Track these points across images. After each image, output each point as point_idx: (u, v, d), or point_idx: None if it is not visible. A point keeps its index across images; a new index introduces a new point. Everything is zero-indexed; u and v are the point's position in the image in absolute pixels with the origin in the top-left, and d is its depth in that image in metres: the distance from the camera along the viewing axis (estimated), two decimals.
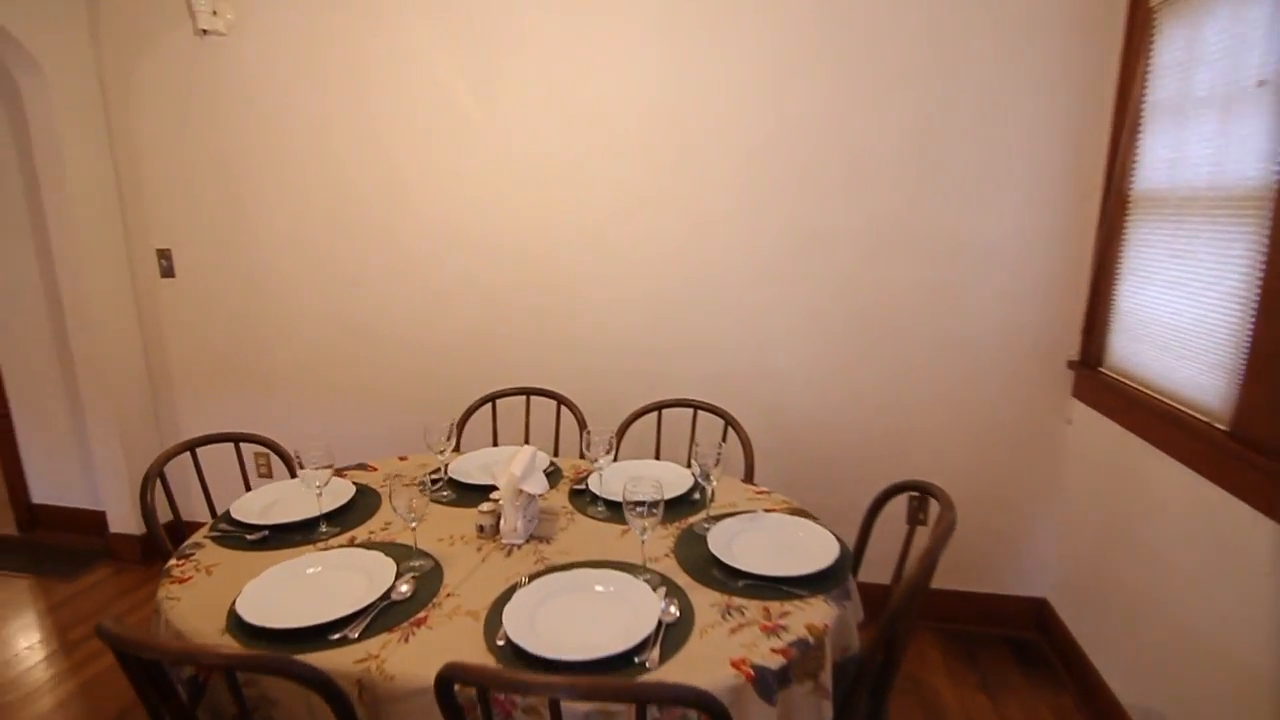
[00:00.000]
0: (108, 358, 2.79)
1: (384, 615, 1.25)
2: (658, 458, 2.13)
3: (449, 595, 1.33)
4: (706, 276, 2.32)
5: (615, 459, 1.81)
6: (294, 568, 1.39)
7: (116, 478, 2.91)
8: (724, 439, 2.02)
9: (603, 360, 2.46)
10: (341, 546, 1.52)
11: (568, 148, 2.33)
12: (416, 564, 1.43)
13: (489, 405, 2.25)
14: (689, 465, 1.84)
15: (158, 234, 2.78)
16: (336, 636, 1.19)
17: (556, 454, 2.26)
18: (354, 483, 1.87)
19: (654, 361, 2.42)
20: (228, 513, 1.66)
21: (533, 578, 1.34)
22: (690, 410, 2.11)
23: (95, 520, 3.09)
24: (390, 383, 2.69)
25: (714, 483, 1.55)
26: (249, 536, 1.56)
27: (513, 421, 2.35)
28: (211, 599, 1.32)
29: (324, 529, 1.61)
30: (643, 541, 1.37)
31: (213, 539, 1.57)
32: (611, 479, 1.77)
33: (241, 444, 1.96)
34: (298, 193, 2.59)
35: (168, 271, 2.80)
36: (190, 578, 1.41)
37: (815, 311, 2.28)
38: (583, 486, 1.80)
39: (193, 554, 1.51)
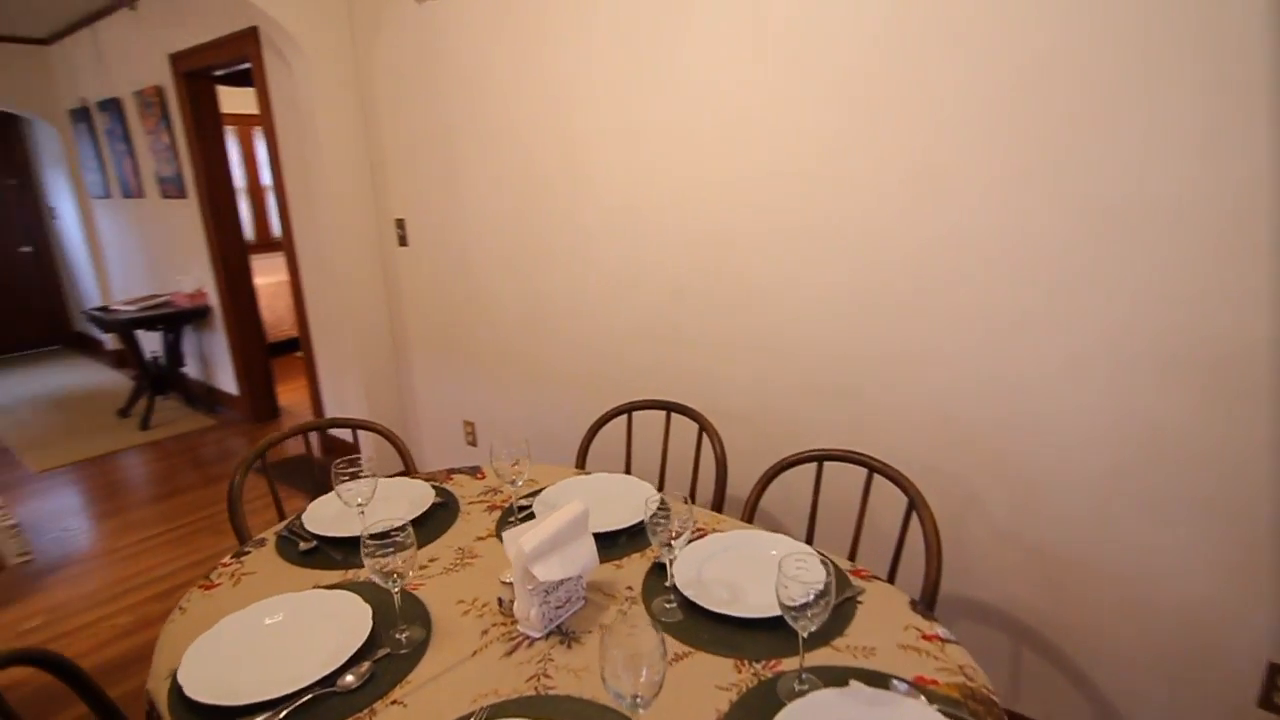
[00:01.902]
0: (360, 316, 3.07)
1: (308, 710, 0.99)
2: (813, 519, 1.52)
3: (394, 703, 1.00)
4: (939, 273, 1.57)
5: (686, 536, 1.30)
6: (263, 611, 1.19)
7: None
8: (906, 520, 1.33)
9: (786, 370, 1.87)
10: (340, 586, 1.30)
11: (759, 101, 1.76)
12: (401, 635, 1.14)
13: (624, 417, 1.86)
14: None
15: (396, 204, 2.93)
16: None
17: (692, 494, 1.78)
18: (441, 488, 1.66)
19: (854, 380, 1.75)
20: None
21: (491, 717, 0.95)
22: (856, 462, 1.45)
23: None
24: (567, 369, 2.46)
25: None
26: (301, 546, 1.44)
27: (651, 437, 1.94)
28: (210, 623, 1.20)
29: (342, 557, 1.41)
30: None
31: (278, 538, 1.49)
32: (693, 562, 1.28)
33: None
34: (495, 166, 2.47)
35: (403, 240, 2.95)
36: (218, 585, 1.33)
37: (1112, 333, 1.39)
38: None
39: (248, 552, 1.44)
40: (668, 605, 1.19)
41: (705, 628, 1.13)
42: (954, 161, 1.50)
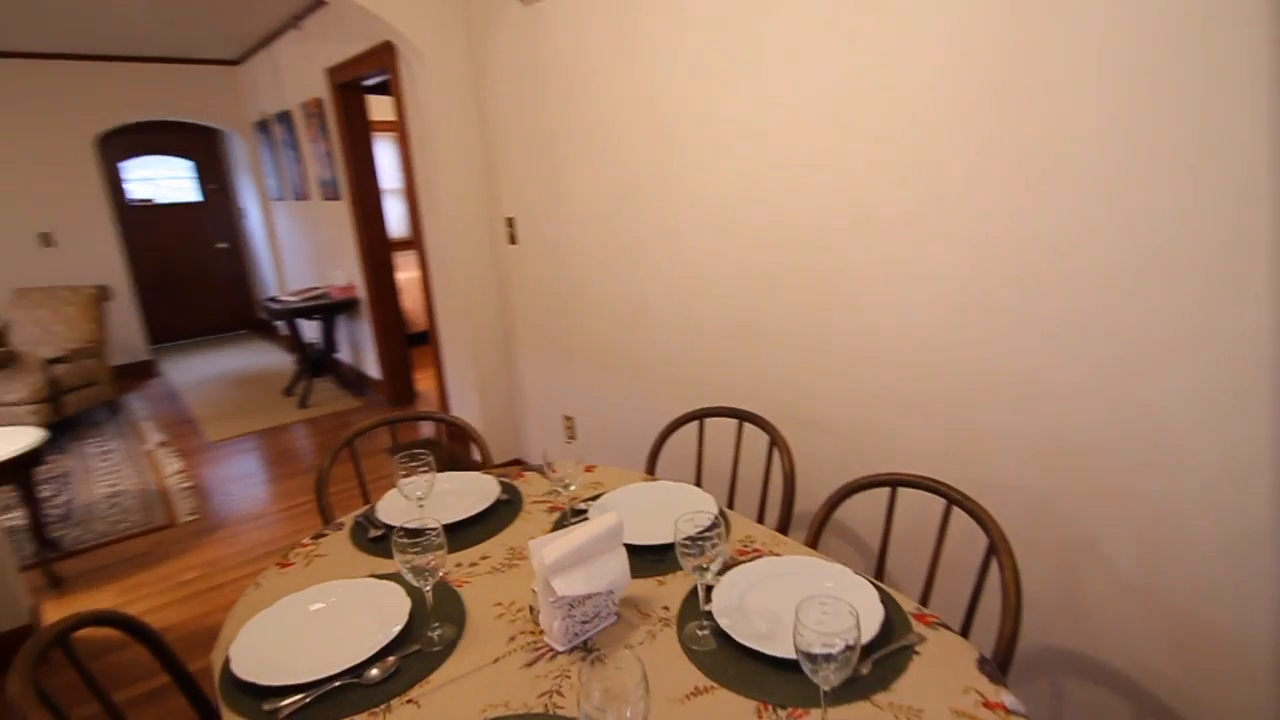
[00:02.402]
0: (475, 310, 3.22)
1: (330, 699, 1.02)
2: (883, 551, 1.37)
3: (409, 702, 1.02)
4: (1059, 278, 1.35)
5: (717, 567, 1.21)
6: (315, 595, 1.25)
7: (475, 413, 3.38)
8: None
9: (877, 379, 1.70)
10: (393, 577, 1.34)
11: (854, 84, 1.61)
12: (434, 632, 1.16)
13: (696, 423, 1.79)
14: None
15: (507, 203, 3.02)
16: (269, 708, 1.01)
17: (761, 511, 1.68)
18: (509, 485, 1.68)
19: (953, 396, 1.56)
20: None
21: None
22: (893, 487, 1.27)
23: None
24: (655, 367, 2.42)
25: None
26: (370, 533, 1.51)
27: (724, 445, 1.84)
28: (276, 600, 1.28)
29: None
30: None
31: (354, 524, 1.57)
32: (733, 589, 1.19)
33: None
34: (590, 163, 2.47)
35: (512, 238, 3.04)
36: (293, 564, 1.43)
37: None
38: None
39: (326, 535, 1.54)
40: (700, 632, 1.12)
41: (735, 662, 1.05)
42: (1078, 150, 1.28)
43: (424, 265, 3.73)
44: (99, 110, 5.58)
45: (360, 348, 5.14)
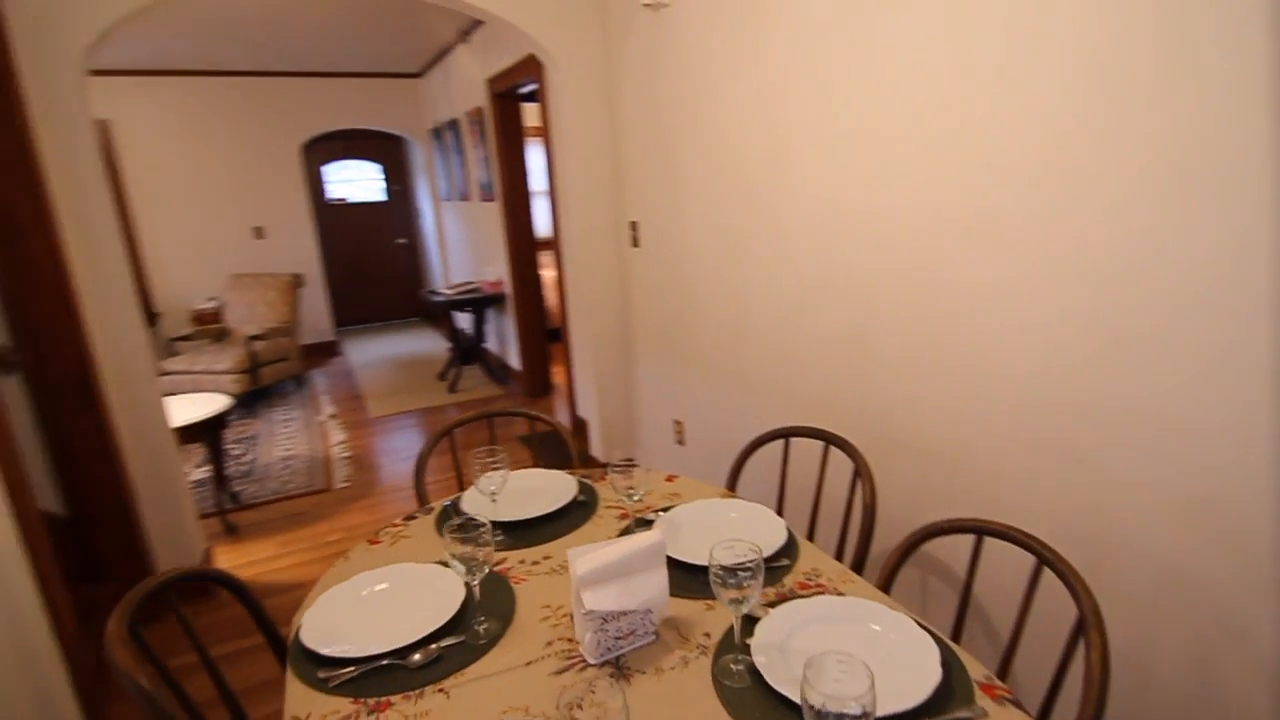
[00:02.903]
0: (599, 311, 3.30)
1: (374, 676, 1.09)
2: (963, 605, 1.20)
3: (440, 691, 1.06)
4: (1209, 303, 1.13)
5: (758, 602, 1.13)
6: (387, 575, 1.34)
7: (594, 411, 3.46)
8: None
9: (991, 407, 1.51)
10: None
11: (976, 83, 1.45)
12: (480, 626, 1.19)
13: (781, 442, 1.69)
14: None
15: (632, 206, 3.06)
16: (324, 675, 1.10)
17: (841, 543, 1.56)
18: (588, 486, 1.70)
19: (1078, 436, 1.35)
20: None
21: None
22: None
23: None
24: (762, 377, 2.33)
25: None
26: (453, 520, 1.59)
27: (810, 467, 1.72)
28: (357, 573, 1.39)
29: (499, 536, 1.51)
30: None
31: (442, 510, 1.66)
32: (781, 626, 1.11)
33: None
34: (708, 167, 2.43)
35: (635, 241, 3.08)
36: (380, 542, 1.54)
37: None
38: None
39: (415, 518, 1.64)
40: (734, 667, 1.06)
41: (764, 704, 0.99)
42: (1234, 157, 1.06)
43: (559, 264, 3.89)
44: (305, 120, 6.38)
45: (505, 340, 5.45)
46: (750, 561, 1.01)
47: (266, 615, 1.34)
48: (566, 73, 3.01)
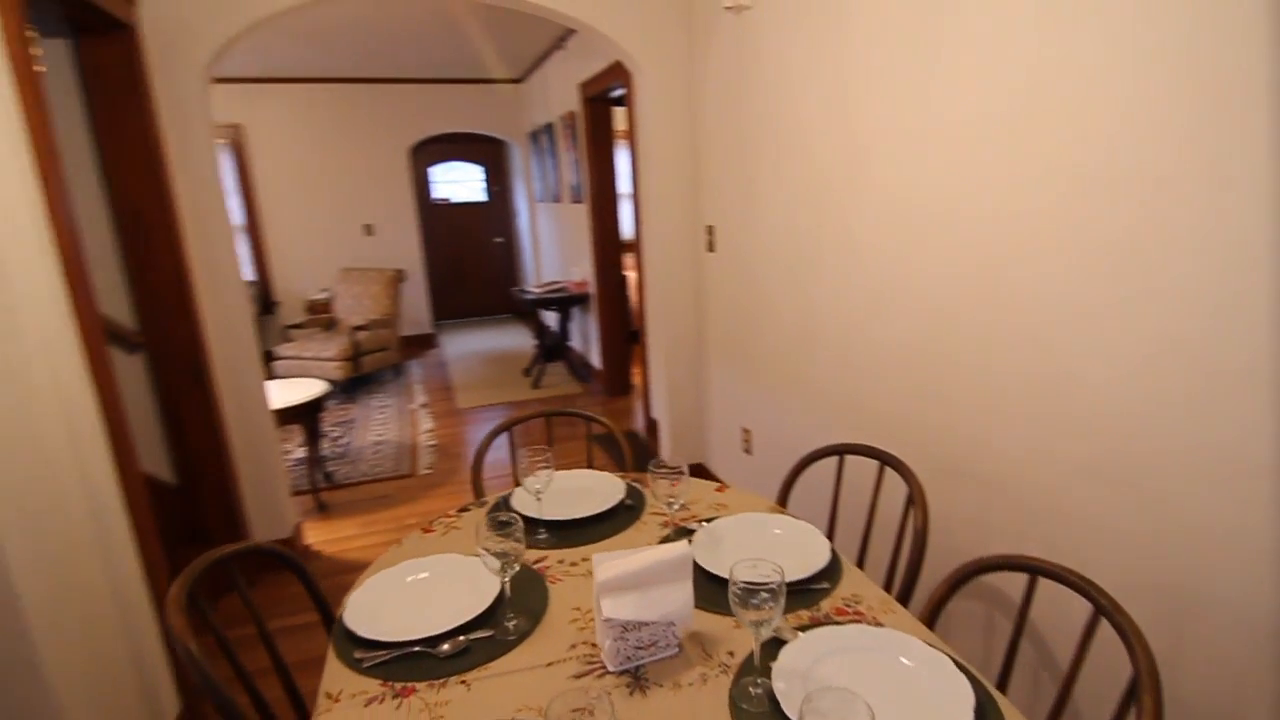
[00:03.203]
0: (673, 314, 3.29)
1: (404, 661, 1.13)
2: (1010, 653, 1.10)
3: (462, 682, 1.09)
4: None
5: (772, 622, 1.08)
6: (432, 564, 1.38)
7: (664, 414, 3.45)
8: None
9: (1066, 437, 1.39)
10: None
11: (1060, 75, 1.33)
12: (510, 622, 1.22)
13: (835, 459, 1.62)
14: None
15: (709, 210, 3.03)
16: (359, 656, 1.15)
17: (890, 573, 1.48)
18: (637, 490, 1.70)
19: (1164, 481, 1.22)
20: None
21: None
22: None
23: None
24: (830, 388, 2.25)
25: None
26: (501, 516, 1.63)
27: (862, 486, 1.64)
28: (407, 559, 1.45)
29: (542, 534, 1.53)
30: None
31: (494, 504, 1.71)
32: (808, 651, 1.06)
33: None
34: (782, 171, 2.37)
35: (710, 246, 3.05)
36: (433, 531, 1.60)
37: None
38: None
39: (469, 510, 1.70)
40: (753, 690, 1.03)
41: None
42: None
43: (640, 267, 3.91)
44: (413, 124, 6.73)
45: (589, 339, 5.54)
46: (771, 583, 0.98)
47: (320, 593, 1.42)
48: (649, 77, 3.02)
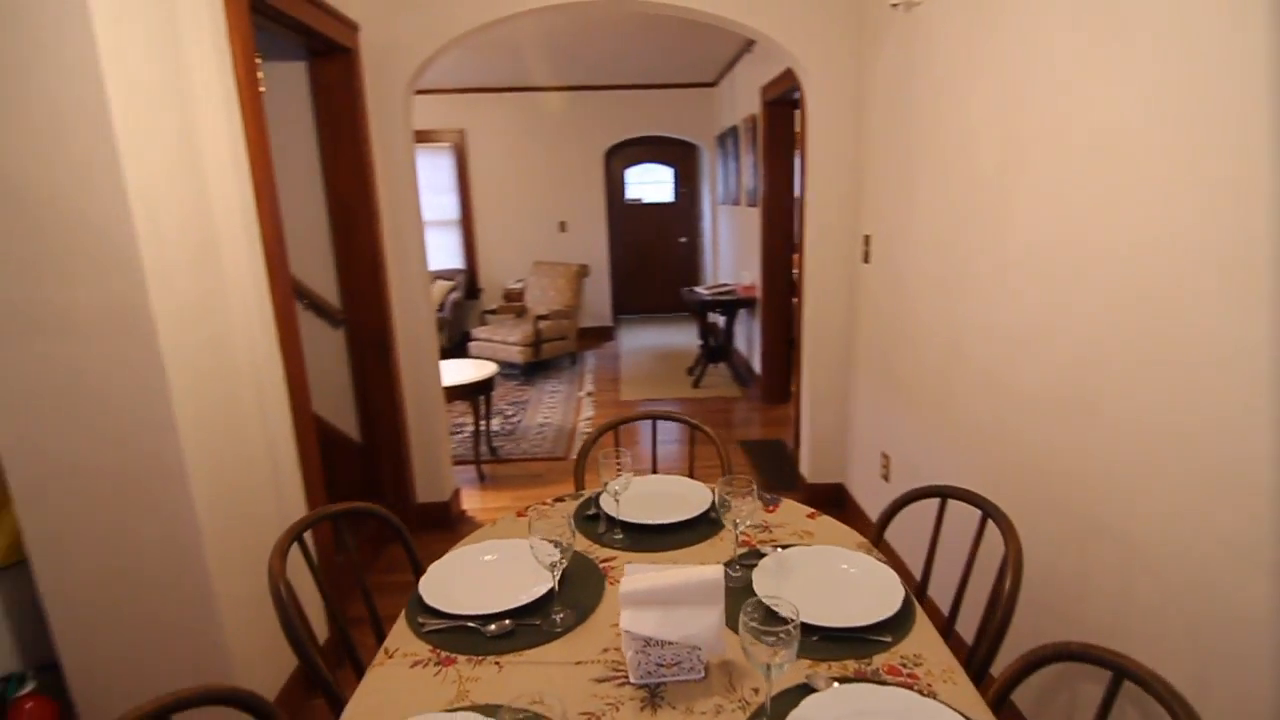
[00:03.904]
0: (822, 325, 3.16)
1: (454, 633, 1.23)
2: None
3: (496, 663, 1.16)
4: None
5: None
6: (511, 546, 1.47)
7: (807, 426, 3.31)
8: None
9: (1225, 504, 1.13)
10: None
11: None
12: (557, 615, 1.27)
13: (937, 501, 1.45)
14: None
15: (867, 219, 2.85)
16: (422, 621, 1.27)
17: (980, 637, 1.31)
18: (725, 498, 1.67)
19: None
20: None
21: None
22: None
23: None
24: (973, 417, 2.01)
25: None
26: (589, 510, 1.70)
27: (966, 533, 1.44)
28: (497, 538, 1.57)
29: (618, 535, 1.57)
30: None
31: (586, 500, 1.77)
32: (833, 707, 0.98)
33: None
34: (939, 181, 2.16)
35: (866, 257, 2.87)
36: (525, 515, 1.70)
37: None
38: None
39: (563, 500, 1.78)
40: None
41: None
42: None
43: (800, 273, 3.79)
44: (609, 128, 7.08)
45: (753, 344, 5.47)
46: (779, 629, 0.92)
47: (416, 556, 1.58)
48: (816, 80, 2.91)
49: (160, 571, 1.71)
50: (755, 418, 4.84)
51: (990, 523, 1.38)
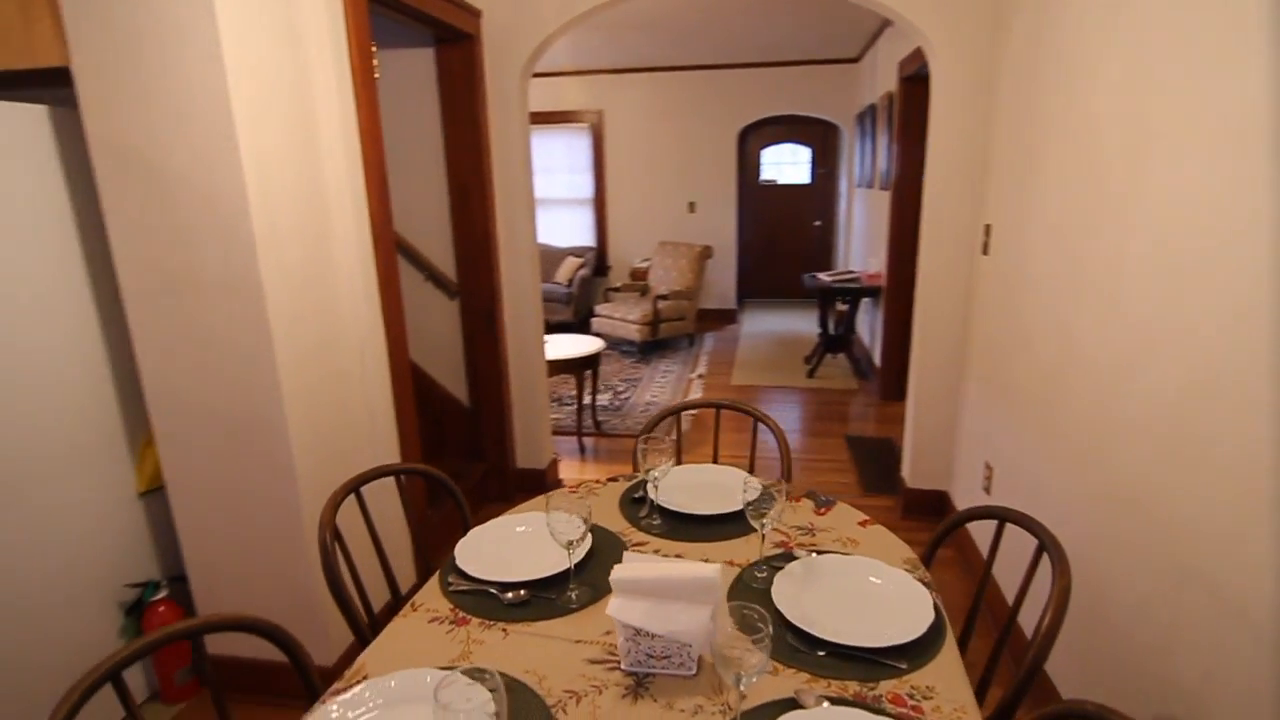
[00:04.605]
0: (931, 321, 2.93)
1: (475, 596, 1.30)
2: None
3: (503, 629, 1.21)
4: None
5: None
6: (534, 520, 1.52)
7: (911, 426, 3.09)
8: None
9: None
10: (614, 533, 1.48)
11: None
12: (572, 592, 1.30)
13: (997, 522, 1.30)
14: None
15: (990, 207, 2.59)
16: (450, 580, 1.35)
17: (1029, 678, 1.17)
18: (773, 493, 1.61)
19: None
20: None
21: None
22: None
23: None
24: (1072, 434, 1.79)
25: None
26: (637, 493, 1.71)
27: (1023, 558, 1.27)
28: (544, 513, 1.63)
29: (656, 521, 1.57)
30: None
31: (637, 482, 1.78)
32: None
33: None
34: (1064, 166, 1.91)
35: (985, 249, 2.61)
36: (575, 492, 1.73)
37: None
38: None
39: (616, 480, 1.80)
40: None
41: None
42: None
43: (916, 264, 3.53)
44: (744, 107, 6.92)
45: (876, 335, 5.19)
46: (757, 635, 0.89)
47: (468, 518, 1.67)
48: (943, 58, 2.67)
49: (262, 509, 1.94)
50: (870, 413, 4.60)
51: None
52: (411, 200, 3.26)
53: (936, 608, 1.19)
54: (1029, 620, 1.91)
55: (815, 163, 7.94)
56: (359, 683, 1.06)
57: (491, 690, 0.81)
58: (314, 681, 1.12)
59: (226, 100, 1.66)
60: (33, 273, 1.78)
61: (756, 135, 7.78)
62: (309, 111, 1.95)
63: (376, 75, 2.19)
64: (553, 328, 6.83)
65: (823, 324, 5.39)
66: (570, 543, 1.26)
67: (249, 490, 1.94)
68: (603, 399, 4.90)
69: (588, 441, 4.12)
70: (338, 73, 2.03)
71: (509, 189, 3.18)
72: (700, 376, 5.47)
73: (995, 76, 2.55)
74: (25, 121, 1.77)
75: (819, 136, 7.81)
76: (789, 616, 1.17)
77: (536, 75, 7.13)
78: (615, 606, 1.06)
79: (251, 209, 1.73)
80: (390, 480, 2.25)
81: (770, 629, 0.89)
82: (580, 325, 6.87)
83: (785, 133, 7.83)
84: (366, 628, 1.34)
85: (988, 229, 2.59)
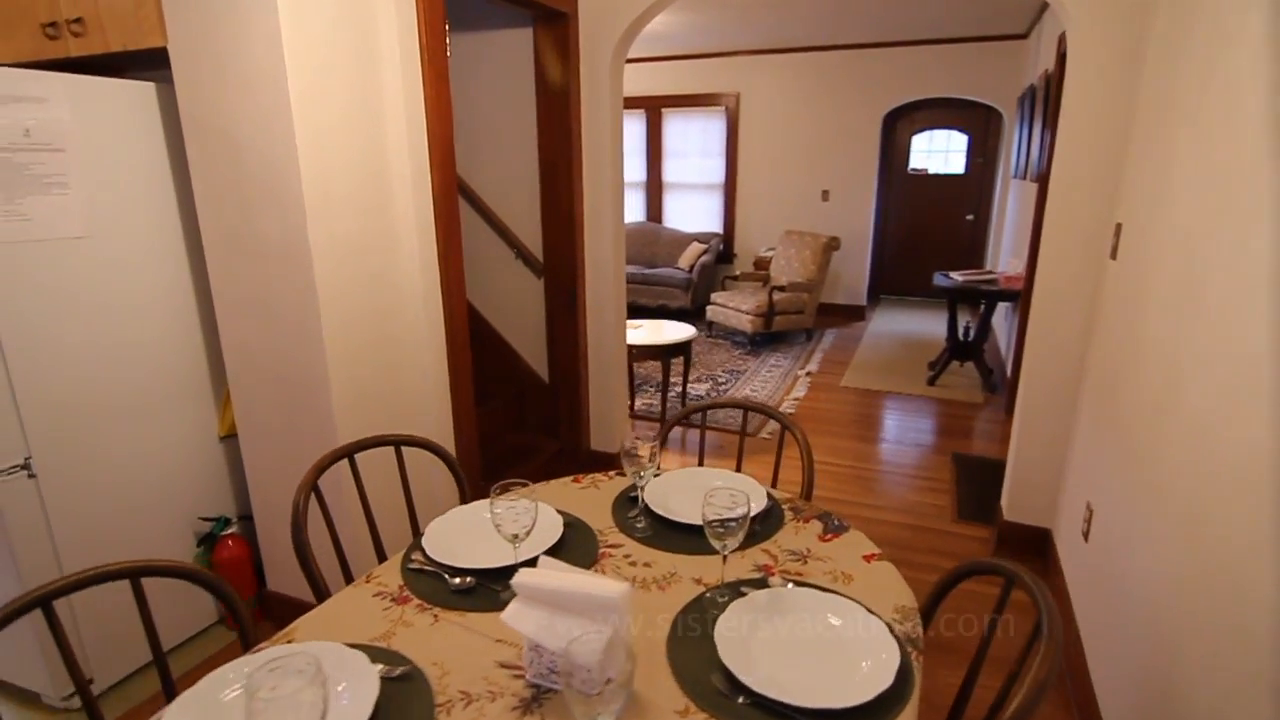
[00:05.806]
0: (1050, 332, 2.54)
1: (427, 576, 1.28)
2: None
3: (435, 615, 1.19)
4: None
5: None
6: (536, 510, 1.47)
7: (1013, 452, 2.71)
8: None
9: None
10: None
11: None
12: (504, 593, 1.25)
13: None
14: None
15: (1123, 205, 2.18)
16: (412, 557, 1.35)
17: None
18: (784, 508, 1.47)
19: None
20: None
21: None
22: None
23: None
24: (1172, 483, 1.45)
25: None
26: (631, 493, 1.62)
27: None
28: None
29: (640, 524, 1.48)
30: None
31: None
32: None
33: None
34: (1200, 157, 1.54)
35: (1114, 252, 2.20)
36: (579, 482, 1.69)
37: None
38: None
39: (623, 475, 1.73)
40: None
41: None
42: None
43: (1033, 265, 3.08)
44: (888, 91, 6.42)
45: (1010, 344, 4.64)
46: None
47: (465, 493, 1.67)
48: (1080, 25, 2.27)
49: (310, 461, 2.07)
50: (991, 430, 4.13)
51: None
52: (508, 181, 3.34)
53: (903, 670, 1.01)
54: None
55: (972, 151, 7.21)
56: (283, 644, 1.08)
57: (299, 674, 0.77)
58: (250, 632, 1.17)
59: (284, 77, 1.75)
60: (141, 235, 2.01)
61: (906, 120, 7.20)
62: (374, 90, 2.02)
63: (449, 54, 2.23)
64: (670, 314, 6.79)
65: (951, 328, 4.90)
66: (515, 536, 1.21)
67: (299, 442, 2.08)
68: (701, 388, 4.79)
69: (674, 431, 4.04)
70: (405, 51, 2.09)
71: (597, 170, 3.16)
72: (808, 374, 5.19)
73: (1140, 55, 2.14)
74: (137, 97, 1.99)
75: (979, 122, 7.07)
76: (721, 653, 1.04)
77: (674, 58, 7.05)
78: (511, 613, 1.00)
79: (304, 179, 1.82)
80: (430, 455, 2.32)
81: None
82: (697, 313, 6.78)
83: (941, 117, 7.17)
84: (325, 589, 1.38)
85: (1118, 229, 2.19)
